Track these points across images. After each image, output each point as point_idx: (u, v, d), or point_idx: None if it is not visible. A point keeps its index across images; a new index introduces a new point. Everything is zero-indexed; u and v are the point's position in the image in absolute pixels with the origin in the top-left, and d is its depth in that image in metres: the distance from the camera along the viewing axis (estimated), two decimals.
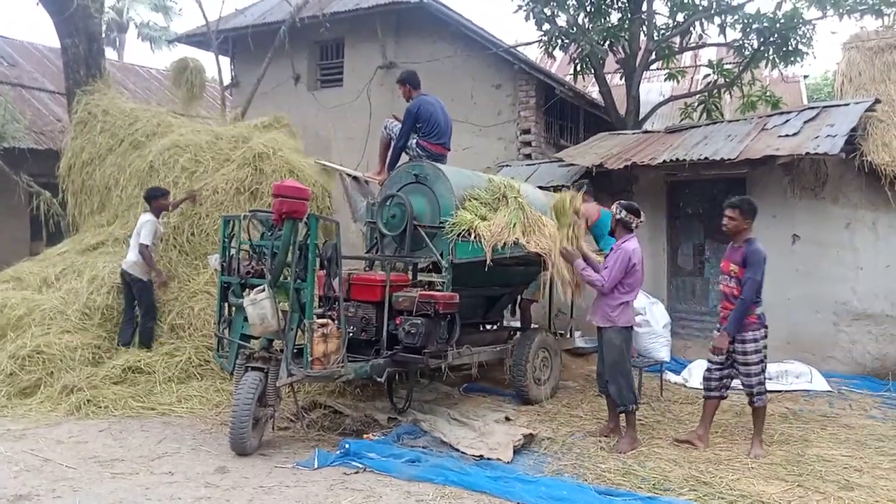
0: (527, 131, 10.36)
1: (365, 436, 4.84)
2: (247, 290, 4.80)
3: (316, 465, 4.24)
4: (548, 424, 5.33)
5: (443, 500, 3.81)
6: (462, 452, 4.60)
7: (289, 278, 4.57)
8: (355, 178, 7.13)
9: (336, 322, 4.64)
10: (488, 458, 4.47)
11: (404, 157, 6.51)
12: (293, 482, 4.02)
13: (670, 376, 7.01)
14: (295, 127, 8.92)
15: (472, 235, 5.36)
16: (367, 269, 5.95)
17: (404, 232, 5.67)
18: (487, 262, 5.30)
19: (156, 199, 6.53)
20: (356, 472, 4.17)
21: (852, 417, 5.66)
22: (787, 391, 6.51)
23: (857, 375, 6.94)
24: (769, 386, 6.58)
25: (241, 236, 5.08)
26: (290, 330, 4.53)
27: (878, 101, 7.29)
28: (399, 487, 3.96)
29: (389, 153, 6.62)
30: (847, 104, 7.36)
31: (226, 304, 5.01)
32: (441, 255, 5.48)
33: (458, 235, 5.41)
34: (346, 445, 4.47)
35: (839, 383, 6.74)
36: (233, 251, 5.00)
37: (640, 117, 11.77)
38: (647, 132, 9.31)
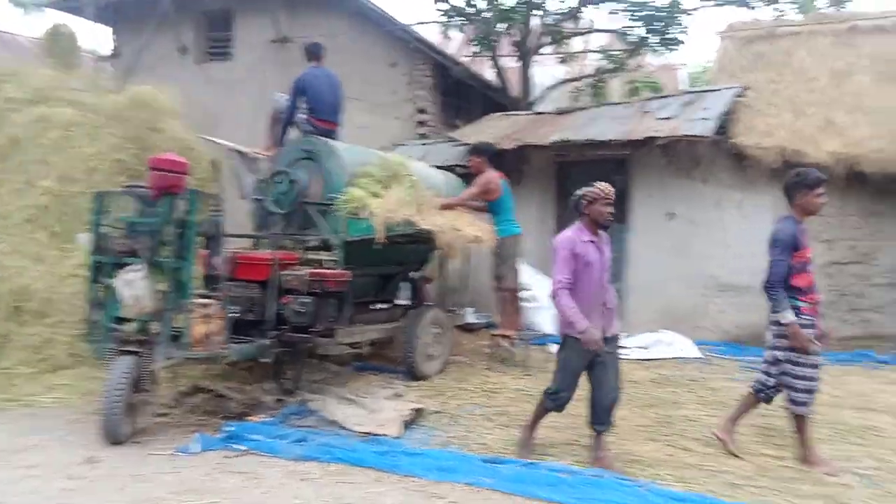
0: (422, 111, 10.37)
1: (249, 418, 4.73)
2: (120, 269, 4.54)
3: (196, 450, 4.10)
4: (437, 399, 5.40)
5: (328, 477, 3.79)
6: (351, 430, 4.60)
7: (168, 257, 4.37)
8: (243, 154, 6.89)
9: (219, 302, 4.49)
10: (377, 434, 4.49)
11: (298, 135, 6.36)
12: (170, 468, 3.87)
13: (555, 348, 7.26)
14: (180, 101, 8.49)
15: (364, 213, 5.33)
16: (254, 247, 5.79)
17: (293, 209, 5.55)
18: (380, 240, 5.29)
19: None
20: (238, 455, 4.08)
21: (717, 381, 6.11)
22: (660, 359, 6.93)
23: (723, 342, 7.50)
24: (644, 355, 7.04)
25: (115, 213, 4.79)
26: (167, 311, 4.34)
27: (747, 88, 7.82)
28: (283, 468, 3.91)
29: (278, 128, 6.45)
30: (719, 90, 7.85)
31: (98, 285, 4.73)
32: (332, 232, 5.42)
33: (350, 213, 5.36)
34: (230, 428, 4.36)
35: (707, 350, 7.25)
36: (106, 229, 4.71)
37: (534, 99, 12.08)
38: (538, 113, 9.57)
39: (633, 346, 7.23)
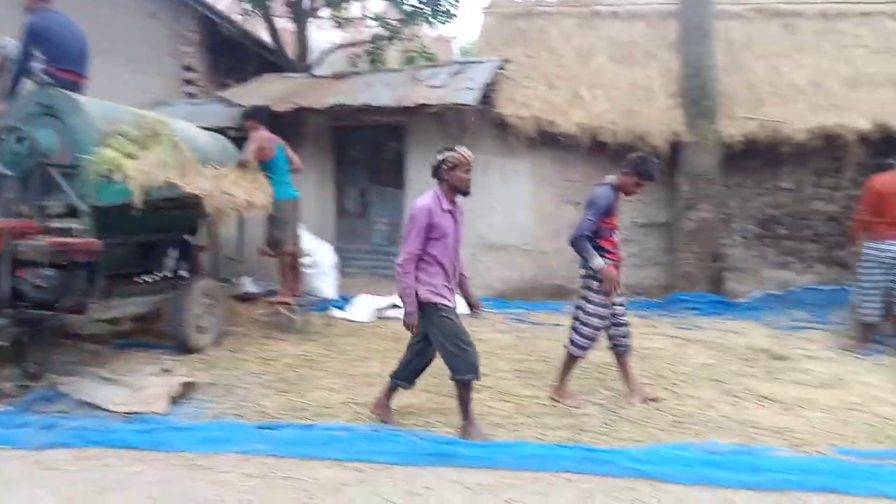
0: (189, 68, 9.66)
1: None
2: None
3: None
4: (211, 371, 5.17)
5: (82, 462, 3.47)
6: (112, 411, 4.23)
7: None
8: None
9: None
10: (141, 413, 4.18)
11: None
12: None
13: (337, 312, 7.34)
14: None
15: (119, 176, 4.84)
16: None
17: (30, 171, 4.88)
18: (138, 205, 4.86)
19: None
20: None
21: (485, 333, 6.59)
22: None
23: (491, 297, 8.10)
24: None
25: None
26: None
27: (507, 61, 8.38)
28: (26, 458, 3.49)
29: (7, 78, 5.58)
30: (483, 62, 8.33)
31: None
32: (79, 198, 4.86)
33: (101, 175, 4.84)
34: None
35: None
36: None
37: (311, 63, 11.83)
38: (314, 76, 9.39)
39: None
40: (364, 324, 7.02)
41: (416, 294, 3.78)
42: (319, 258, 7.71)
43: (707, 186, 7.72)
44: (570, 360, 4.57)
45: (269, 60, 11.56)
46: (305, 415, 4.25)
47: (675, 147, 7.73)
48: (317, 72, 11.08)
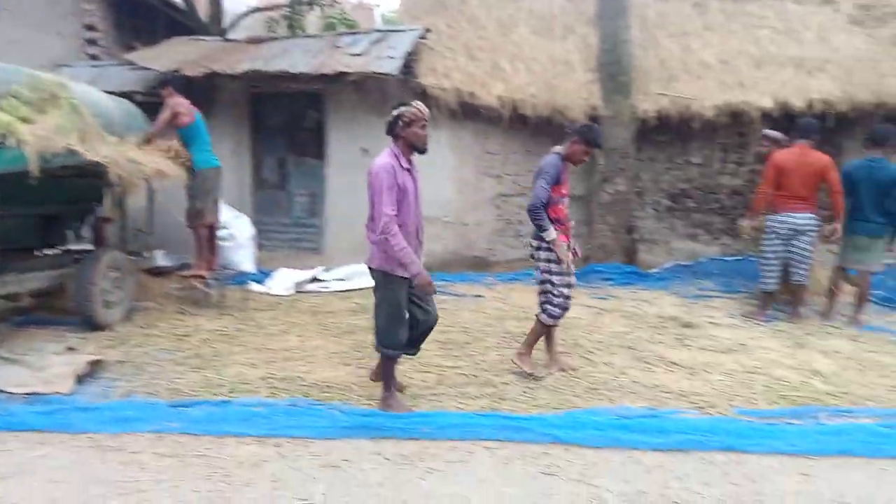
0: (91, 27, 9.07)
1: None
2: None
3: None
4: (121, 348, 4.96)
5: None
6: (10, 392, 3.99)
7: None
8: None
9: None
10: (44, 394, 3.97)
11: None
12: None
13: (255, 286, 7.17)
14: None
15: (11, 141, 4.50)
16: None
17: None
18: (34, 174, 4.54)
19: None
20: None
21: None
22: (359, 289, 7.26)
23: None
24: (343, 286, 7.30)
25: None
26: None
27: (428, 30, 8.28)
28: None
29: None
30: (404, 31, 8.19)
31: None
32: None
33: None
34: None
35: None
36: None
37: (225, 26, 11.33)
38: (229, 41, 9.01)
39: (332, 279, 7.44)
40: (283, 298, 6.89)
41: (373, 259, 3.69)
42: (237, 231, 7.48)
43: (622, 160, 7.95)
44: (542, 329, 4.61)
45: (179, 22, 10.98)
46: (222, 391, 4.15)
47: (593, 121, 7.88)
48: (231, 36, 10.63)
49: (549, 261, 4.45)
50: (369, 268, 3.79)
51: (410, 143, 3.70)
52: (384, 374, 3.88)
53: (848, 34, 8.50)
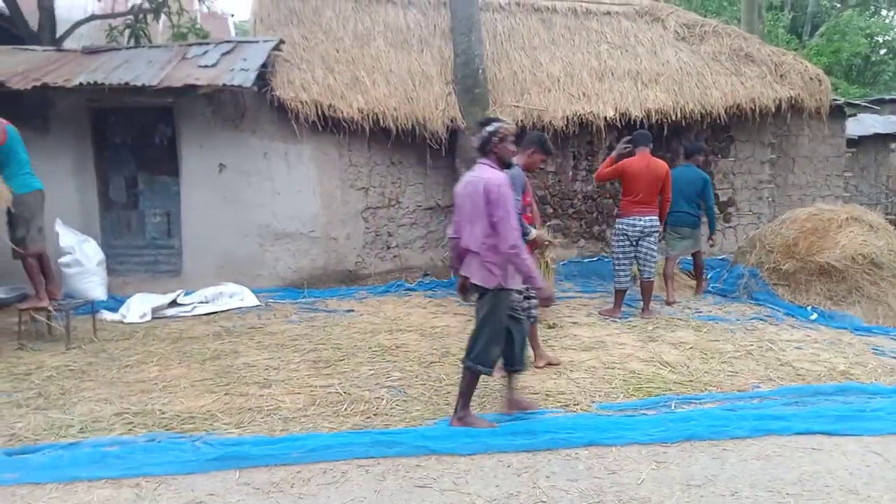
0: None
1: None
2: None
3: None
4: None
5: None
6: None
7: None
8: None
9: None
10: None
11: None
12: None
13: (107, 314, 6.66)
14: None
15: None
16: None
17: None
18: None
19: None
20: None
21: (276, 325, 6.42)
22: (223, 311, 6.95)
23: (281, 288, 7.89)
24: (206, 309, 6.97)
25: None
26: None
27: (282, 41, 8.10)
28: None
29: None
30: (258, 41, 7.96)
31: None
32: None
33: None
34: None
35: (267, 297, 7.53)
36: None
37: (59, 35, 10.47)
38: (61, 51, 8.32)
39: (195, 302, 7.06)
40: (139, 325, 6.45)
41: (490, 277, 3.70)
42: (83, 256, 6.90)
43: None
44: (533, 328, 4.96)
45: (5, 30, 10.01)
46: (70, 433, 3.82)
47: (453, 132, 8.08)
48: (66, 45, 9.84)
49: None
50: (482, 287, 3.75)
51: (501, 158, 3.83)
52: (468, 390, 3.82)
53: (675, 49, 9.31)
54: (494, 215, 3.59)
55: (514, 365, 4.02)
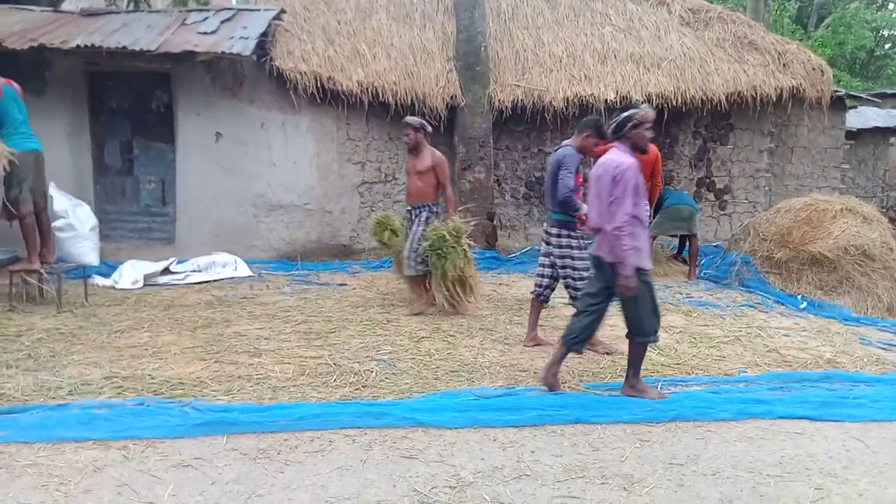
0: None
1: None
2: None
3: None
4: None
5: None
6: None
7: None
8: None
9: None
10: None
11: None
12: None
13: (99, 280, 6.66)
14: None
15: None
16: None
17: None
18: None
19: None
20: None
21: (268, 295, 6.43)
22: (215, 280, 6.96)
23: (274, 259, 7.89)
24: (199, 278, 6.97)
25: None
26: None
27: (283, 11, 8.02)
28: None
29: None
30: (258, 10, 7.89)
31: None
32: None
33: None
34: None
35: (260, 268, 7.54)
36: None
37: None
38: (59, 12, 8.23)
39: (187, 270, 7.06)
40: (132, 291, 6.45)
41: (626, 262, 3.75)
42: (76, 220, 6.89)
43: (481, 149, 8.16)
44: (540, 307, 5.08)
45: None
46: (60, 395, 3.83)
47: (452, 110, 8.04)
48: (65, 7, 9.71)
49: (569, 247, 4.78)
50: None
51: (634, 143, 3.89)
52: (638, 361, 4.00)
53: (679, 34, 9.24)
54: (613, 194, 3.75)
55: (580, 342, 4.11)
